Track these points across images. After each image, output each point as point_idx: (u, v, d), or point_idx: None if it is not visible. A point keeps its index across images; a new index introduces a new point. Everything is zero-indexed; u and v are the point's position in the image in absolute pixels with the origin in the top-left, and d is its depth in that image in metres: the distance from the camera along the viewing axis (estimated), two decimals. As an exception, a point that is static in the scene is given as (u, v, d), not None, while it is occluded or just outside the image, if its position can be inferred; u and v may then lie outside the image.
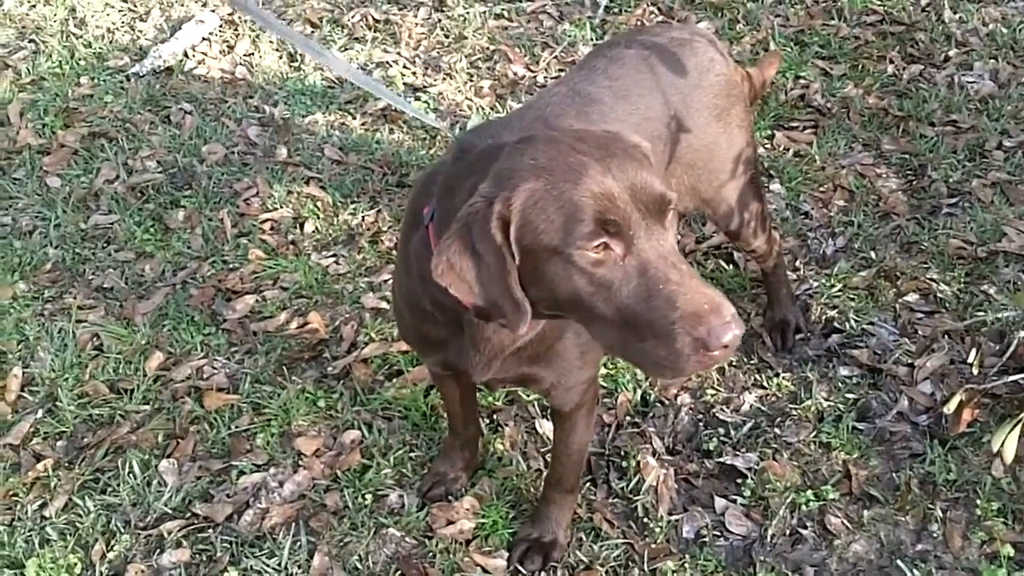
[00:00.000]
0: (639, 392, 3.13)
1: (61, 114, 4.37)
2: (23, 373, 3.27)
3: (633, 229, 1.68)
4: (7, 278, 3.61)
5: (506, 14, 5.03)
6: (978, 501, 2.73)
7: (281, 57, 4.72)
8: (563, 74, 4.24)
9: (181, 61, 4.71)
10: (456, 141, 2.13)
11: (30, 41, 4.91)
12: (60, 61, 4.73)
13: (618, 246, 1.69)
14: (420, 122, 4.17)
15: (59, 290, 3.59)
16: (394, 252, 3.66)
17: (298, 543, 2.78)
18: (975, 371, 2.74)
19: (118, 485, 2.95)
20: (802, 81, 4.41)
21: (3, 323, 3.44)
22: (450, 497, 2.88)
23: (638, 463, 2.92)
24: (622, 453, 2.97)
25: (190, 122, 4.32)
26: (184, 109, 4.41)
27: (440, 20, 5.01)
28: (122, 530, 2.84)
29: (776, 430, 3.01)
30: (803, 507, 2.80)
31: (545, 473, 2.85)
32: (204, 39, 4.84)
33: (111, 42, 4.88)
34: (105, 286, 3.60)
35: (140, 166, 4.11)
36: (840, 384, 3.12)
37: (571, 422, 2.52)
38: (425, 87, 4.53)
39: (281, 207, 3.91)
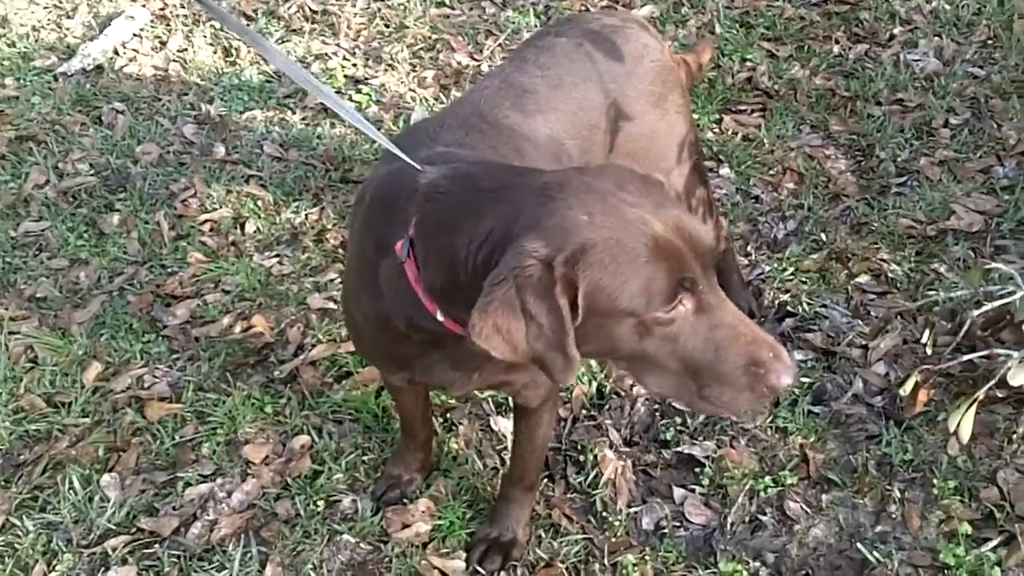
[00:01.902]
0: (595, 384, 3.08)
1: (-14, 118, 4.21)
2: (-47, 389, 3.14)
3: (700, 283, 1.65)
4: (-67, 291, 3.47)
5: (447, 2, 4.95)
6: (935, 481, 2.72)
7: (216, 52, 4.59)
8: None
9: (111, 59, 4.56)
10: (394, 143, 2.05)
11: (-50, 42, 4.74)
12: (-17, 63, 4.56)
13: (689, 302, 1.65)
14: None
15: (-11, 301, 3.46)
16: (340, 251, 3.57)
17: (249, 554, 2.69)
18: (929, 351, 2.73)
19: (58, 502, 2.83)
20: (748, 63, 4.38)
21: (-69, 338, 3.30)
22: (405, 500, 2.81)
23: (595, 456, 2.87)
24: (579, 447, 2.91)
25: (122, 122, 4.18)
26: (116, 109, 4.26)
27: (380, 9, 4.91)
28: (64, 549, 2.73)
29: (732, 418, 2.98)
30: (762, 493, 2.76)
31: (503, 471, 2.79)
32: (135, 35, 4.70)
33: (37, 41, 4.72)
34: (38, 295, 3.47)
35: (71, 169, 3.97)
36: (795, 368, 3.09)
37: (536, 417, 2.47)
38: (367, 79, 4.43)
39: (220, 207, 3.79)
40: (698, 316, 1.66)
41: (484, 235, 1.71)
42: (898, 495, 2.72)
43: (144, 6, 4.86)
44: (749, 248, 3.52)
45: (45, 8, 4.98)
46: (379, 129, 4.06)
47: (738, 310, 1.71)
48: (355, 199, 2.46)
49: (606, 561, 2.63)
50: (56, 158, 4.02)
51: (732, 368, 1.66)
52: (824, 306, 3.28)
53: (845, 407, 2.97)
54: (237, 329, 3.31)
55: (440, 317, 1.87)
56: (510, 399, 2.91)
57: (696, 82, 3.36)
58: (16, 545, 2.74)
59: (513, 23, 4.77)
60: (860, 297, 3.29)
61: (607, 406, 3.03)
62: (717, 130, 4.03)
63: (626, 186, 1.70)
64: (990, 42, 4.40)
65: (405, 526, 2.74)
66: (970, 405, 2.25)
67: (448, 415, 3.01)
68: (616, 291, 1.62)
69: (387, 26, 4.79)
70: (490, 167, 1.92)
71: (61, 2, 5.02)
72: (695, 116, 3.98)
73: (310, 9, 4.91)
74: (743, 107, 4.15)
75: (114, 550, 2.71)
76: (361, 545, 2.70)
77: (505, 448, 2.89)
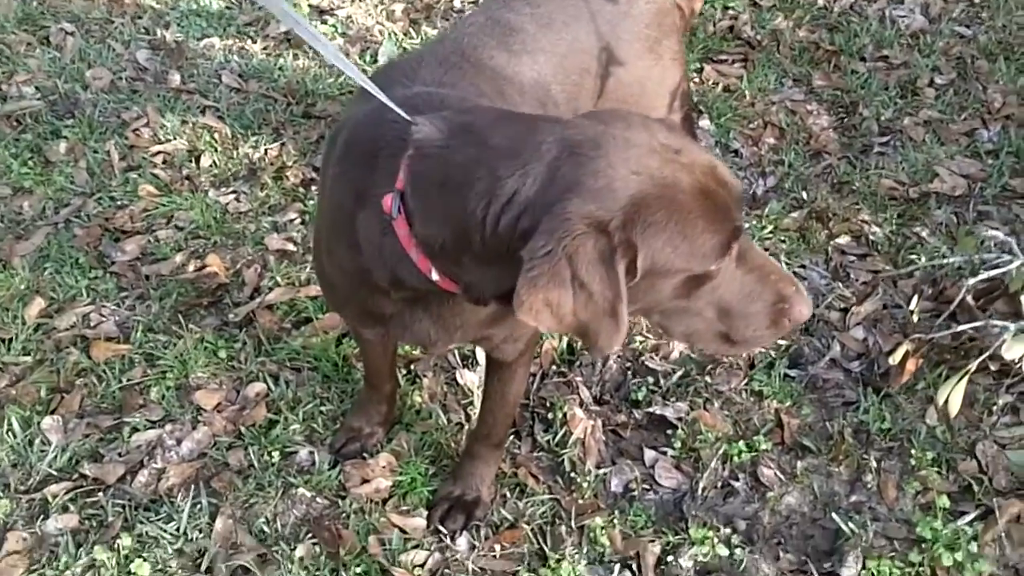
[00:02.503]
0: (565, 340, 2.96)
1: (-76, 33, 3.95)
2: None
3: (741, 232, 1.64)
4: None
5: (421, -69, 4.72)
6: (912, 451, 2.64)
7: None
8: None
9: (62, -24, 4.30)
10: (372, 80, 1.88)
11: None
12: (-77, -26, 4.26)
13: (734, 249, 1.63)
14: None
15: (-75, 229, 3.24)
16: (302, 190, 3.39)
17: (198, 505, 2.55)
18: (915, 319, 2.64)
19: (-4, 445, 2.67)
20: (731, 12, 4.23)
21: None
22: (365, 454, 2.68)
23: (565, 415, 2.76)
24: (547, 404, 2.80)
25: (72, 44, 3.94)
26: (65, 30, 4.02)
27: (349, -63, 4.67)
28: (1, 494, 2.57)
29: (707, 379, 2.88)
30: (735, 458, 2.67)
31: (469, 427, 2.68)
32: (88, -47, 4.42)
33: (-18, -46, 4.42)
34: (-22, 225, 3.27)
35: (15, 92, 3.73)
36: (772, 330, 3.00)
37: (510, 372, 2.34)
38: (332, 9, 4.22)
39: (174, 138, 3.59)
40: (738, 262, 1.66)
41: (506, 197, 1.56)
42: (874, 464, 2.64)
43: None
44: (727, 204, 3.41)
45: (-9, -82, 4.67)
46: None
47: (759, 248, 1.74)
48: (327, 140, 2.27)
49: (573, 523, 2.53)
50: (-1, 79, 3.79)
51: (762, 307, 1.70)
52: (803, 267, 3.18)
53: (822, 372, 2.89)
54: (190, 268, 3.14)
55: (435, 276, 1.72)
56: (478, 351, 2.79)
57: (688, 30, 3.20)
58: (-52, 490, 2.58)
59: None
60: (840, 259, 3.20)
61: (578, 363, 2.92)
62: (698, 80, 3.89)
63: (657, 135, 1.59)
64: (977, 1, 4.29)
65: (364, 481, 2.62)
66: (961, 378, 2.16)
67: (412, 367, 2.88)
68: (675, 250, 1.55)
69: (355, -46, 4.56)
70: (489, 117, 1.75)
71: (8, -88, 4.70)
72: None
73: (275, -67, 4.65)
74: (724, 57, 4.01)
75: (54, 496, 2.56)
76: (317, 500, 2.58)
77: (471, 403, 2.77)
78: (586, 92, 2.41)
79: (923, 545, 2.44)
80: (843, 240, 3.25)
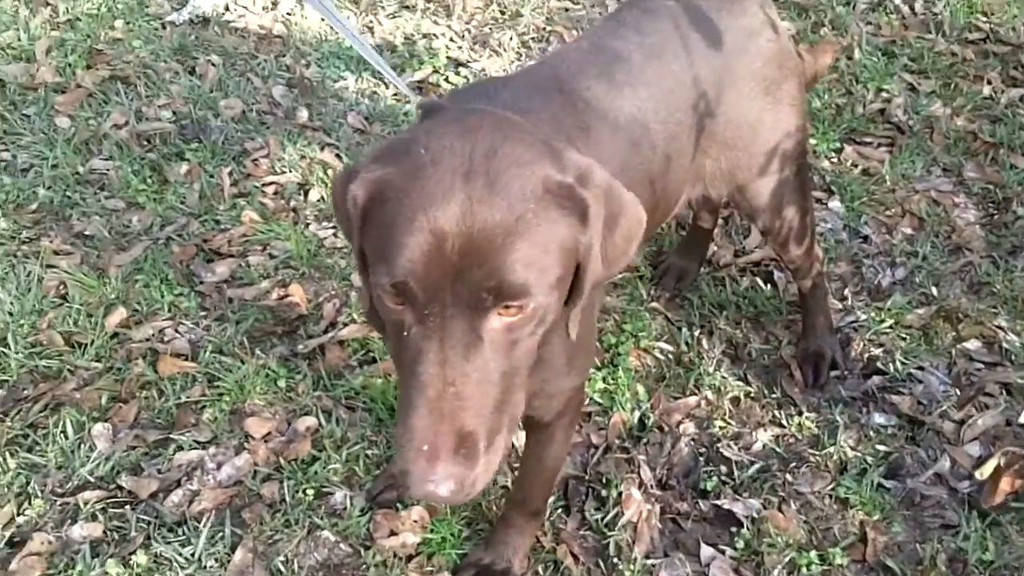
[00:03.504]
0: (637, 414, 2.74)
1: (86, 55, 4.14)
2: (-23, 314, 3.03)
3: (431, 308, 1.36)
4: (-12, 215, 3.39)
5: (571, -4, 4.67)
6: (1017, 591, 2.27)
7: (323, 19, 4.43)
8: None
9: (220, 13, 4.46)
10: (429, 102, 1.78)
11: (75, -20, 4.73)
12: (100, 4, 4.51)
13: (409, 314, 1.38)
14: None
15: (39, 231, 3.34)
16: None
17: (221, 533, 2.46)
18: (1031, 435, 2.28)
19: (47, 445, 2.67)
20: (884, 94, 3.94)
21: (-30, 260, 3.21)
22: (399, 504, 2.53)
23: (620, 494, 2.53)
24: (604, 480, 2.58)
25: (213, 74, 4.05)
26: (211, 61, 4.14)
27: (500, -4, 4.67)
28: (39, 494, 2.56)
29: (788, 476, 2.59)
30: (804, 569, 2.37)
31: (509, 492, 2.48)
32: (250, -7, 4.60)
33: (156, -12, 4.67)
34: (87, 233, 3.34)
35: (153, 114, 3.85)
36: (872, 433, 2.68)
37: (548, 433, 2.13)
38: (468, 62, 4.19)
39: (289, 171, 3.61)
40: (415, 332, 1.42)
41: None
42: (967, 600, 2.28)
43: (267, -33, 4.75)
44: (846, 292, 3.11)
45: (174, -41, 4.94)
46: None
47: (482, 383, 1.41)
48: None
49: (607, 614, 2.29)
50: (141, 101, 3.92)
51: (400, 412, 1.44)
52: (920, 368, 2.84)
53: (923, 487, 2.54)
54: (273, 296, 3.11)
55: None
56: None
57: (810, 89, 2.97)
58: (-7, 481, 2.59)
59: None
60: (965, 365, 2.84)
61: (646, 440, 2.68)
62: (835, 159, 3.62)
63: (496, 144, 1.44)
64: None
65: (392, 533, 2.46)
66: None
67: (468, 421, 2.71)
68: (372, 233, 1.48)
69: (502, 12, 4.54)
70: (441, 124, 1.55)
71: (191, -45, 4.97)
72: (813, 142, 3.60)
73: (429, -13, 4.72)
74: (869, 139, 3.72)
75: (86, 503, 2.52)
76: (341, 545, 2.44)
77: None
78: (687, 132, 2.21)
79: None
80: (972, 345, 2.89)
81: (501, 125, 1.47)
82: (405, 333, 1.39)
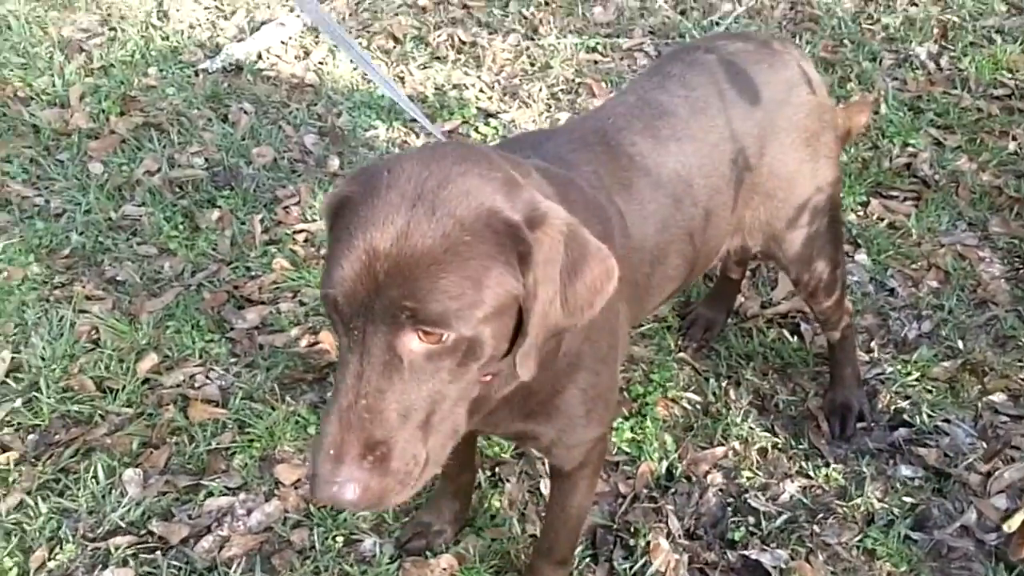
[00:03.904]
0: (665, 463, 2.74)
1: (119, 101, 4.23)
2: (11, 358, 3.06)
3: (355, 323, 1.41)
4: (22, 259, 3.44)
5: (600, 48, 4.72)
6: (1048, 648, 2.25)
7: (356, 68, 4.51)
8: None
9: (253, 62, 4.55)
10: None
11: (111, 29, 4.82)
12: (134, 51, 4.61)
13: (339, 326, 1.44)
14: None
15: (71, 276, 3.40)
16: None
17: (251, 580, 2.47)
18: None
19: (78, 490, 2.69)
20: (910, 149, 3.96)
21: (5, 304, 3.25)
22: (429, 552, 2.54)
23: (648, 543, 2.53)
24: (632, 530, 2.58)
25: (245, 122, 4.12)
26: (244, 109, 4.22)
27: (528, 48, 4.74)
28: (70, 539, 2.58)
29: (815, 527, 2.58)
30: (833, 624, 2.36)
31: (536, 541, 2.49)
32: (282, 42, 4.68)
33: (189, 37, 4.76)
34: (119, 278, 3.39)
35: (185, 161, 3.92)
36: (899, 484, 2.68)
37: (570, 483, 2.15)
38: (498, 113, 4.25)
39: (320, 219, 3.66)
40: (342, 343, 1.49)
41: None
42: (998, 657, 2.26)
43: (298, 16, 4.85)
44: (873, 344, 3.12)
45: (206, 8, 5.04)
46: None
47: (394, 396, 1.42)
48: None
49: (636, 667, 2.29)
50: (174, 148, 3.99)
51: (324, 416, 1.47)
52: (947, 421, 2.84)
53: (950, 539, 2.53)
54: (303, 343, 3.14)
55: None
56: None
57: (845, 146, 3.00)
58: (25, 526, 2.61)
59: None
60: (991, 417, 2.84)
61: (674, 490, 2.69)
62: (861, 213, 3.64)
63: (449, 178, 1.47)
64: None
65: (421, 582, 2.47)
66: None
67: (497, 469, 2.74)
68: (331, 233, 1.55)
69: (532, 64, 4.61)
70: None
71: (223, 4, 5.07)
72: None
73: (460, 39, 4.79)
74: (895, 193, 3.74)
75: (117, 548, 2.55)
76: (369, 594, 2.45)
77: (548, 516, 2.59)
78: (729, 185, 2.24)
79: None
80: (997, 398, 2.89)
81: (467, 157, 1.48)
82: (339, 344, 1.45)
